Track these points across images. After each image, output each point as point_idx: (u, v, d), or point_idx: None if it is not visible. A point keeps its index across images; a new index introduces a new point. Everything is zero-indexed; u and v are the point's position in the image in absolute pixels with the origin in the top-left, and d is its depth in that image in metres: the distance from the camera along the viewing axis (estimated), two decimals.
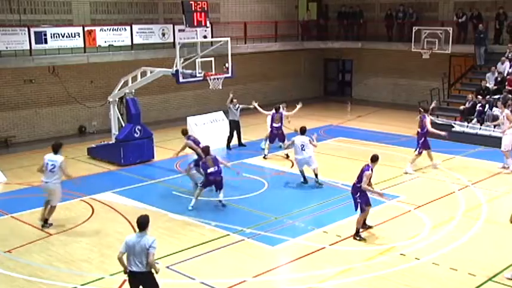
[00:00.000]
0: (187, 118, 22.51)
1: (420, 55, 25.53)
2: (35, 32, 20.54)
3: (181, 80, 17.44)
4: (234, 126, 20.99)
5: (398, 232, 12.88)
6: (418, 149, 17.67)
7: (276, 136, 19.51)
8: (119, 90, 19.58)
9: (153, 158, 19.49)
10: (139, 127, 19.02)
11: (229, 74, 18.07)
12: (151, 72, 18.71)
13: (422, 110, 18.02)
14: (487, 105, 22.00)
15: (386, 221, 13.46)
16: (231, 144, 20.99)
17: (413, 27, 26.12)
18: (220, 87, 17.98)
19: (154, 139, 19.64)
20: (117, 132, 19.60)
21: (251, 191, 15.76)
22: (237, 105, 20.85)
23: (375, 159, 12.69)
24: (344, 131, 24.29)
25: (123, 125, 19.53)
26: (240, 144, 21.10)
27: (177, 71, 17.27)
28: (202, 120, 22.19)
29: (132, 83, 19.31)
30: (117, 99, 19.82)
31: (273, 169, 18.07)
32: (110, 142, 19.87)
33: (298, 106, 20.03)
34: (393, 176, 17.13)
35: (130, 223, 13.42)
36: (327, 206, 14.54)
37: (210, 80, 17.65)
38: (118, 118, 19.85)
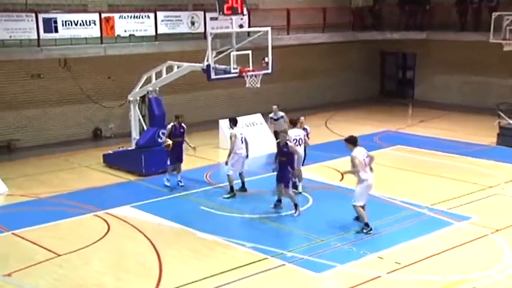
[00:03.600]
0: (220, 121, 22.65)
1: (500, 47, 24.97)
2: (44, 19, 20.69)
3: (213, 76, 17.49)
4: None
5: (470, 261, 12.57)
6: None
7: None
8: (140, 87, 19.74)
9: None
10: (164, 131, 19.09)
11: (269, 70, 18.05)
12: (178, 67, 18.82)
13: None
14: None
15: (455, 247, 13.16)
16: None
17: (493, 13, 25.56)
18: (259, 85, 17.97)
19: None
20: (137, 137, 19.74)
21: (293, 208, 15.64)
22: (279, 113, 20.40)
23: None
24: (404, 138, 24.06)
25: (145, 128, 19.67)
26: None
27: (208, 66, 17.32)
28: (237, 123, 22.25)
29: (156, 79, 19.45)
30: (138, 98, 19.97)
31: (318, 182, 17.93)
32: (130, 148, 20.04)
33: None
34: (464, 193, 16.83)
35: (151, 242, 13.49)
36: (383, 227, 14.34)
37: (247, 76, 17.66)
38: (139, 120, 20.00)
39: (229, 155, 16.66)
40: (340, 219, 15.00)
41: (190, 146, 17.98)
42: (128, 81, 23.29)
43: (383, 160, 20.38)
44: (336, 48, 31.38)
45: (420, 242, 13.37)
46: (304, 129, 17.11)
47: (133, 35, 22.85)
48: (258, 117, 23.58)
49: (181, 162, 18.02)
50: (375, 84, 34.63)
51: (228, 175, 16.71)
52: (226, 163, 16.71)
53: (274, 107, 20.37)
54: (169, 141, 17.53)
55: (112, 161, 20.09)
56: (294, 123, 16.78)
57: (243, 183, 17.21)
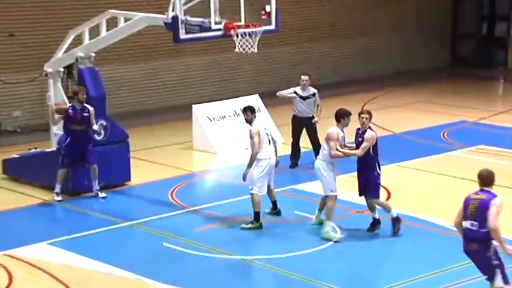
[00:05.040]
0: (194, 107, 22.77)
1: None
2: None
3: (182, 35, 17.53)
4: (302, 125, 21.08)
5: None
6: None
7: None
8: (65, 52, 19.80)
9: (130, 180, 19.74)
10: (104, 122, 19.13)
11: (272, 26, 18.14)
12: (125, 21, 18.86)
13: None
14: None
15: None
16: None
17: None
18: (255, 50, 18.03)
19: (131, 146, 19.87)
20: (61, 132, 19.73)
21: (310, 245, 15.70)
22: (309, 89, 20.77)
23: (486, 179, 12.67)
24: (489, 133, 24.30)
25: None
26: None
27: (174, 18, 17.40)
28: (222, 110, 22.63)
29: (90, 39, 19.50)
30: (62, 70, 19.98)
31: (353, 204, 17.92)
32: (48, 150, 20.08)
33: None
34: None
35: None
36: (458, 276, 14.35)
37: (237, 36, 17.75)
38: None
39: (250, 164, 16.52)
40: (387, 264, 15.08)
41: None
42: (44, 41, 23.38)
43: (454, 168, 20.47)
44: None
45: None
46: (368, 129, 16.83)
47: None
48: (255, 101, 23.59)
49: (92, 164, 18.39)
50: (443, 48, 34.69)
51: (251, 194, 16.54)
52: (244, 177, 16.64)
53: (304, 77, 20.55)
54: (64, 105, 18.16)
55: (17, 171, 20.11)
56: (339, 119, 16.30)
57: (273, 203, 17.33)
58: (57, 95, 19.89)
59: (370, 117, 16.16)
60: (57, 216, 17.91)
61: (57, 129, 19.91)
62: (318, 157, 16.56)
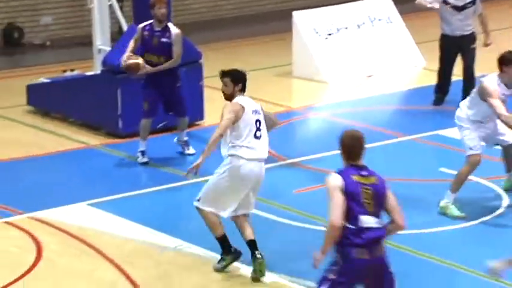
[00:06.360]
0: (294, 14, 22.74)
1: None
2: None
3: None
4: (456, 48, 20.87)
5: None
6: None
7: None
8: None
9: (202, 118, 20.16)
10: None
11: None
12: None
13: None
14: None
15: None
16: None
17: None
18: None
19: (203, 70, 20.09)
20: (108, 48, 19.94)
21: (478, 213, 15.56)
22: None
23: None
24: None
25: (125, 27, 19.97)
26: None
27: None
28: (336, 20, 22.76)
29: None
30: None
31: None
32: (90, 73, 20.34)
33: None
34: None
35: (129, 279, 13.49)
36: None
37: None
38: (111, 7, 20.26)
39: (207, 151, 13.86)
40: None
41: None
42: None
43: None
44: None
45: None
46: None
47: None
48: (385, 6, 23.94)
49: (182, 114, 18.40)
50: None
51: (197, 208, 14.08)
52: (192, 171, 13.94)
53: None
54: (139, 60, 17.61)
55: (47, 102, 20.32)
56: (500, 66, 15.09)
57: (249, 243, 14.29)
58: None
59: None
60: (101, 167, 18.02)
61: (102, 43, 19.95)
62: (461, 104, 15.50)
